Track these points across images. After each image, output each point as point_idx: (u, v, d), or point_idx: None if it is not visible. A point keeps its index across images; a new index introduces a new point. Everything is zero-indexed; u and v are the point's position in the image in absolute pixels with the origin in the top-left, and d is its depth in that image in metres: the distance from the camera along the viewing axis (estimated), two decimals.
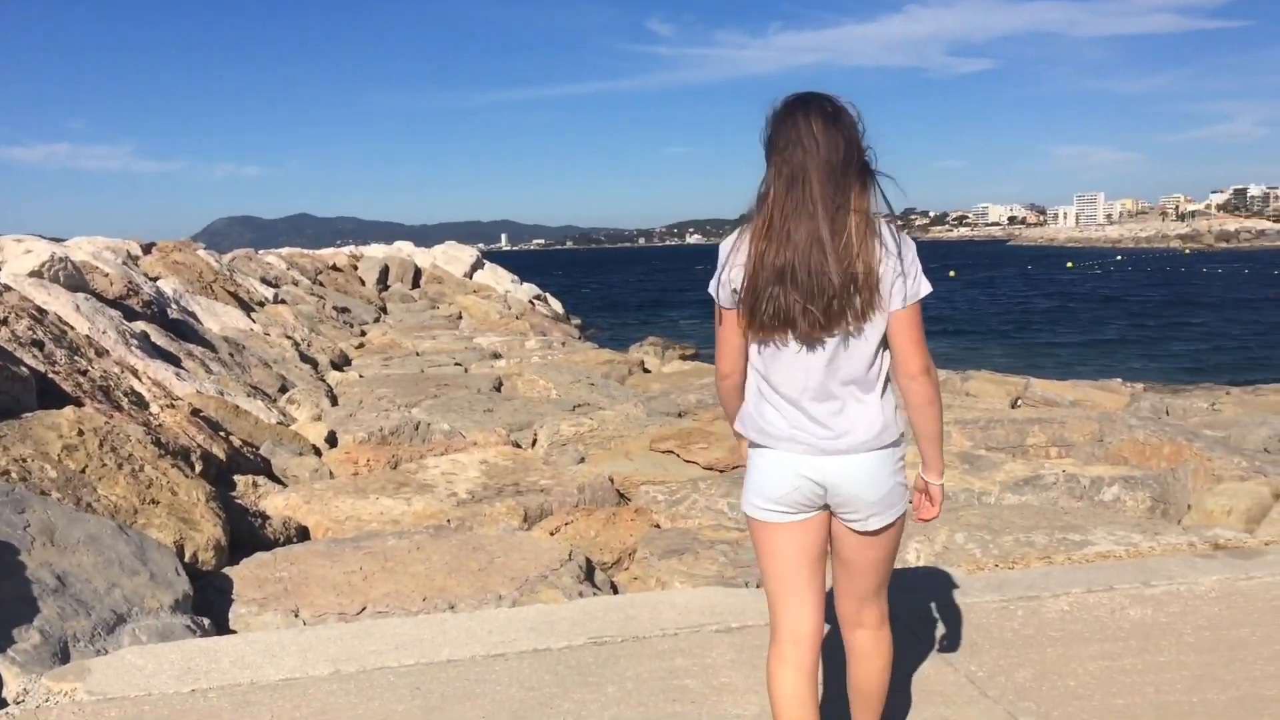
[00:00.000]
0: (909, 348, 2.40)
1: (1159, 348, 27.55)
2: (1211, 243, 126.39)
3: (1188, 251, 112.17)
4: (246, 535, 5.34)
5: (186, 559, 4.60)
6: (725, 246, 2.47)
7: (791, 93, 2.43)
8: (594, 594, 4.63)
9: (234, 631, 4.16)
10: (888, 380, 2.47)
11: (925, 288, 2.41)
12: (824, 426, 2.41)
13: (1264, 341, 28.11)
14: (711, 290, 2.48)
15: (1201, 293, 49.79)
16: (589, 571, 4.92)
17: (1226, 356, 25.20)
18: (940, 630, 3.82)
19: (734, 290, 2.42)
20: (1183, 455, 7.07)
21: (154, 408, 7.28)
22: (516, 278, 30.49)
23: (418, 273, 28.23)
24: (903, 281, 2.36)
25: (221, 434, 7.06)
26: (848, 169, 2.35)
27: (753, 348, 2.47)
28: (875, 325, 2.37)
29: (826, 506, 2.49)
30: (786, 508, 2.47)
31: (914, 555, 5.17)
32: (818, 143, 2.33)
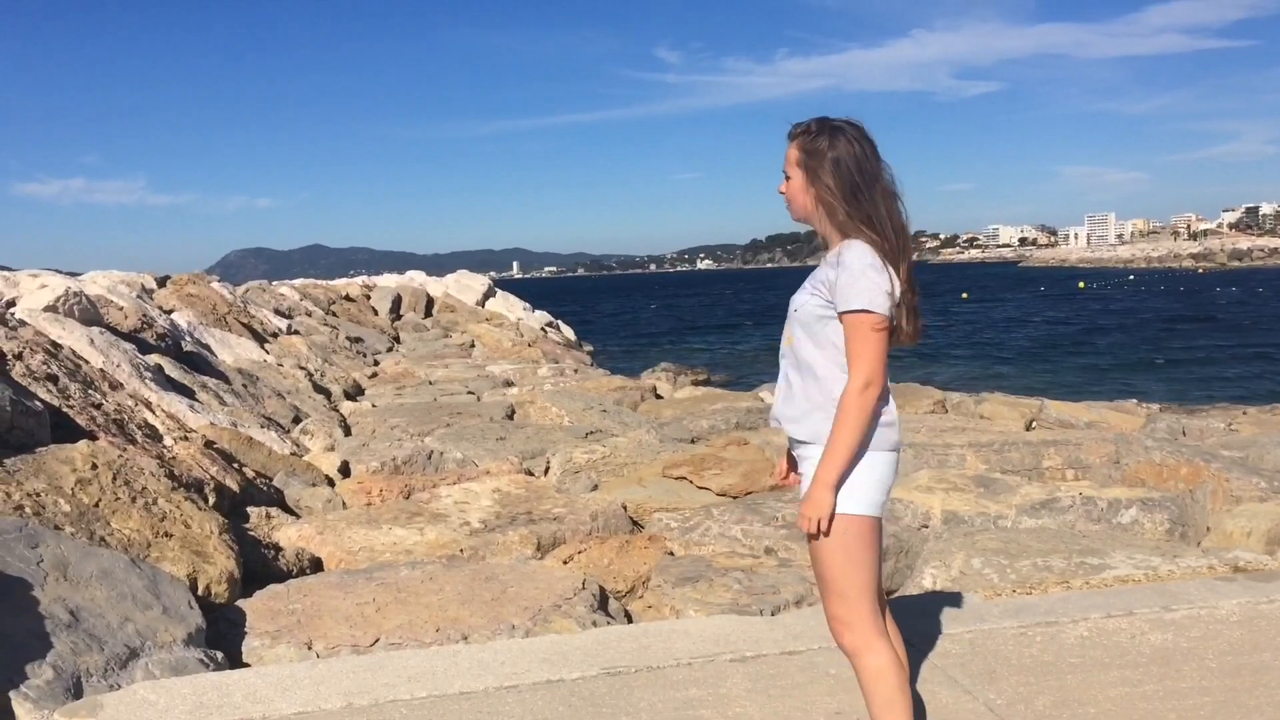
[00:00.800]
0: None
1: (1176, 368, 27.39)
2: (1225, 261, 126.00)
3: (1201, 270, 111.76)
4: (260, 567, 5.33)
5: (199, 592, 4.59)
6: (880, 262, 2.61)
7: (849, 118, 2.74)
8: (608, 623, 4.60)
9: (247, 665, 4.14)
10: None
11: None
12: None
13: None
14: (883, 307, 2.57)
15: (1217, 312, 49.56)
16: (602, 600, 4.89)
17: (1244, 376, 25.04)
18: (957, 657, 3.78)
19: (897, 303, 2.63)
20: (1200, 476, 7.01)
21: (168, 440, 7.29)
22: (528, 305, 30.57)
23: (430, 302, 28.33)
24: None
25: (235, 466, 7.07)
26: None
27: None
28: None
29: None
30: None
31: (930, 580, 5.12)
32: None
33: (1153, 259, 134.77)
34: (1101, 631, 4.00)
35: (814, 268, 2.80)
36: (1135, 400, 15.29)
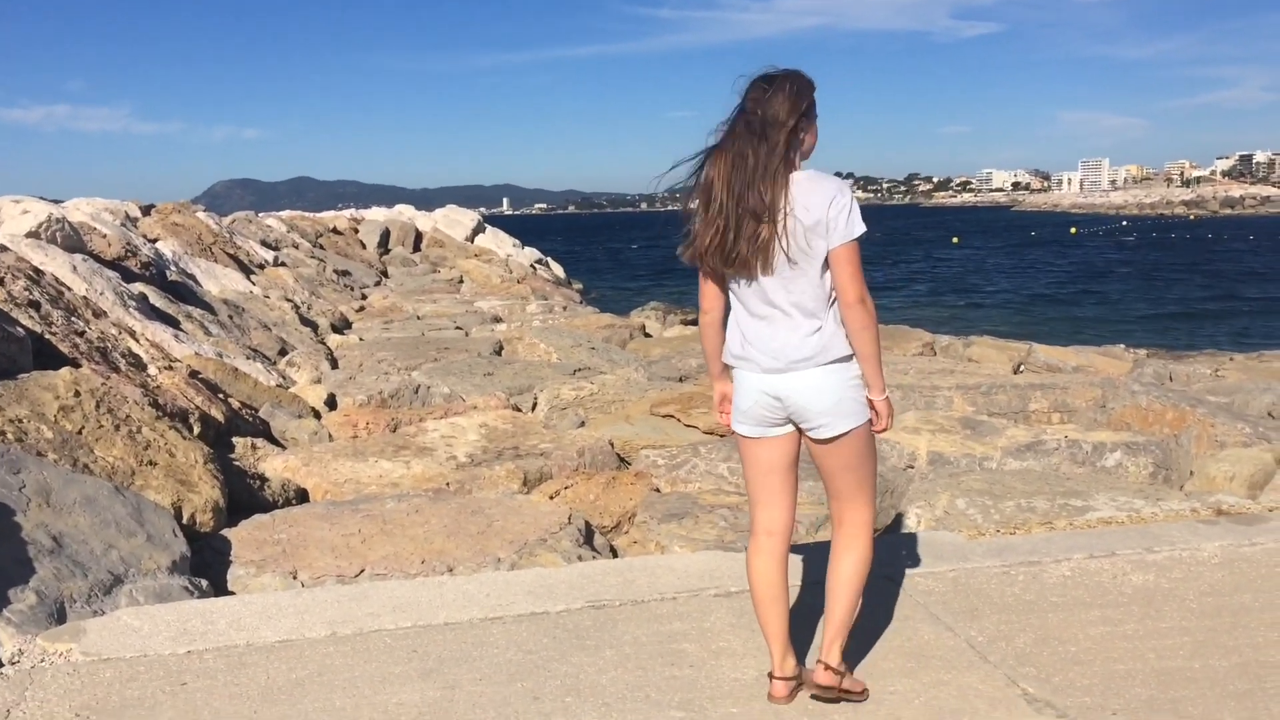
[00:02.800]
0: None
1: (1162, 314, 27.46)
2: (1216, 209, 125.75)
3: (1193, 218, 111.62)
4: (245, 497, 5.32)
5: (184, 521, 4.59)
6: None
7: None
8: (593, 558, 4.62)
9: (232, 593, 4.14)
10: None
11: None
12: None
13: (1270, 308, 28.01)
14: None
15: (1207, 260, 49.59)
16: (588, 535, 4.90)
17: (1233, 322, 25.12)
18: (940, 595, 3.80)
19: None
20: (1185, 421, 7.03)
21: (152, 369, 7.24)
22: (518, 242, 30.36)
23: (419, 236, 28.11)
24: None
25: (220, 396, 7.04)
26: None
27: None
28: None
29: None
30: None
31: (915, 520, 5.15)
32: None
33: (1145, 205, 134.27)
34: (1084, 572, 4.03)
35: None
36: (1123, 345, 15.31)
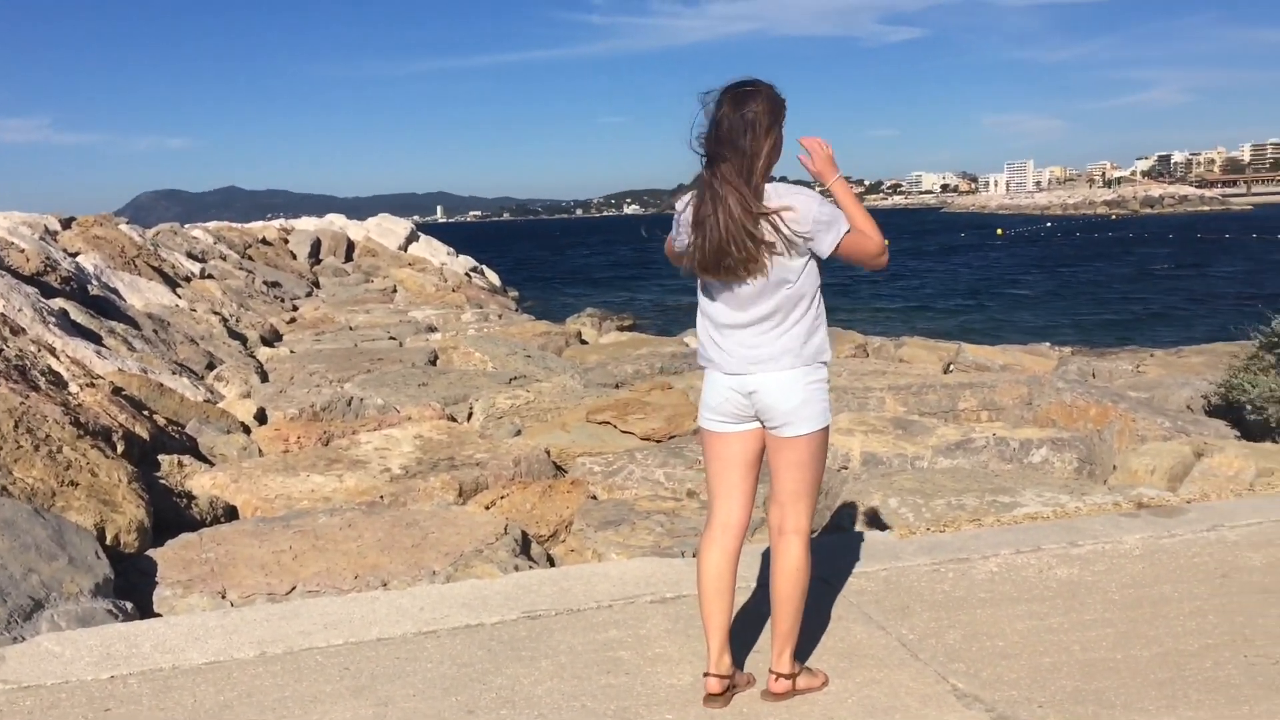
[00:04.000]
0: None
1: (1086, 312, 28.12)
2: (1137, 208, 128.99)
3: (1115, 217, 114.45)
4: (172, 516, 5.20)
5: (108, 542, 4.47)
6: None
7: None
8: (530, 567, 4.59)
9: (158, 615, 4.05)
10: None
11: None
12: None
13: (1186, 306, 28.84)
14: None
15: (1127, 259, 50.89)
16: (525, 545, 4.88)
17: (1152, 319, 25.82)
18: (872, 594, 3.85)
19: None
20: (1108, 417, 7.22)
21: (73, 387, 7.06)
22: (452, 250, 30.15)
23: (351, 246, 27.78)
24: None
25: (145, 413, 6.88)
26: None
27: None
28: None
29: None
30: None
31: (848, 520, 5.21)
32: None
33: (1069, 206, 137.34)
34: (1011, 567, 4.11)
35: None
36: (1048, 344, 15.67)
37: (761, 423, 2.99)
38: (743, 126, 2.81)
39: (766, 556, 3.27)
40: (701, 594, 3.01)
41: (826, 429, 3.00)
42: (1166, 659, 3.26)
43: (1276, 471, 5.89)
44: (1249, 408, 7.35)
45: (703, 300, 3.03)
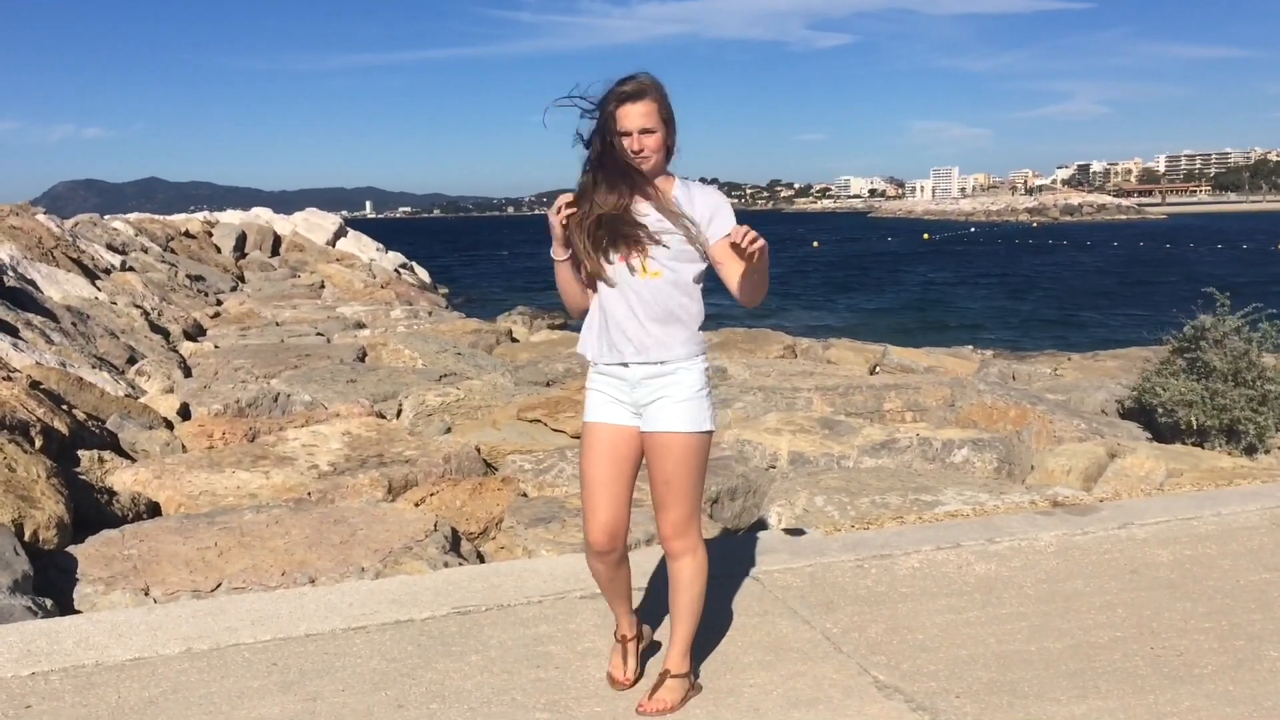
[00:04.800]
0: None
1: (1008, 317, 28.79)
2: (1057, 216, 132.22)
3: (1036, 224, 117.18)
4: (92, 512, 5.10)
5: (26, 538, 4.37)
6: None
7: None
8: (460, 564, 4.60)
9: (79, 612, 3.98)
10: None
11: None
12: None
13: (1104, 311, 29.69)
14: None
15: (1046, 265, 52.18)
16: (454, 542, 4.87)
17: (1070, 324, 26.52)
18: (798, 590, 3.93)
19: None
20: (1027, 418, 7.43)
21: None
22: (381, 246, 29.82)
23: (277, 240, 27.32)
24: None
25: (64, 408, 6.72)
26: None
27: None
28: None
29: None
30: None
31: (775, 518, 5.30)
32: None
33: (992, 212, 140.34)
34: (931, 563, 4.23)
35: None
36: (971, 347, 16.02)
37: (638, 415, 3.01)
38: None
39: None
40: None
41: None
42: (1078, 651, 3.39)
43: (1185, 472, 6.13)
44: (1160, 411, 7.62)
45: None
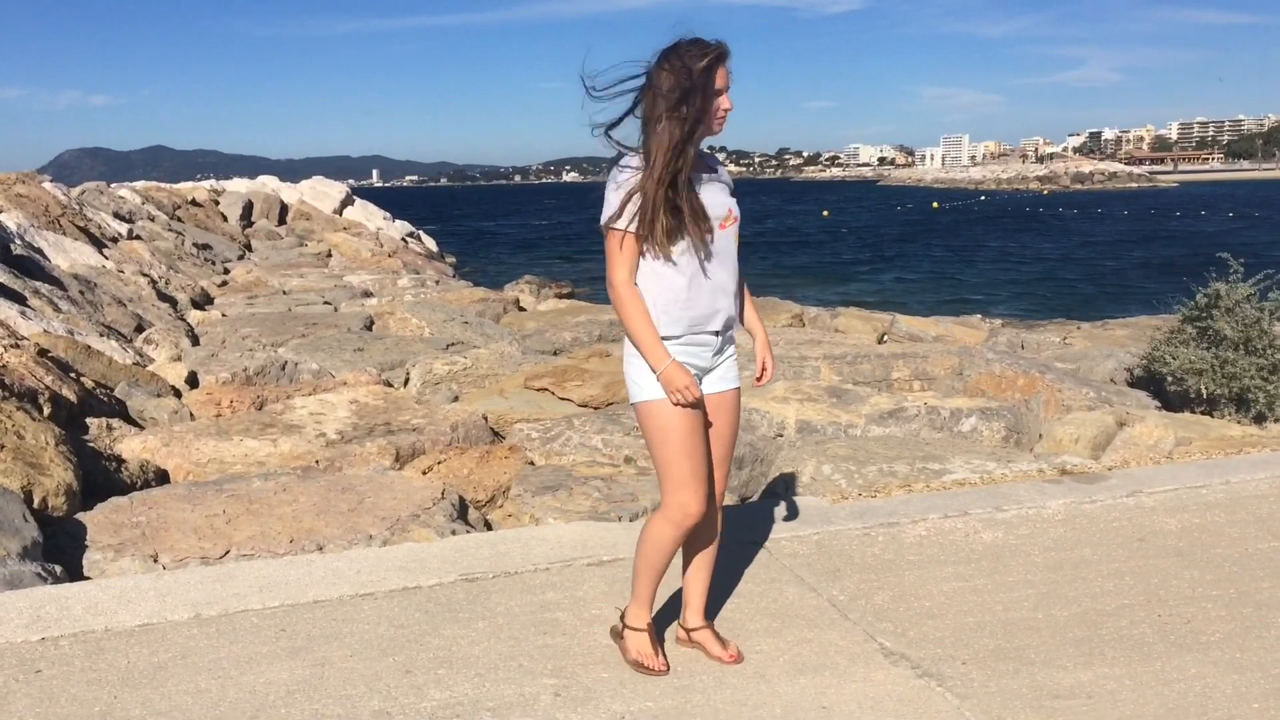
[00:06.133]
0: None
1: (1018, 285, 28.67)
2: (1068, 184, 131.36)
3: (1046, 192, 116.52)
4: (101, 480, 5.12)
5: (35, 505, 4.39)
6: None
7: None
8: (467, 532, 4.61)
9: (88, 579, 4.00)
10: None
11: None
12: None
13: (1114, 280, 29.55)
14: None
15: (1057, 233, 51.90)
16: (462, 510, 4.88)
17: (1079, 293, 26.41)
18: (805, 557, 3.93)
19: None
20: (1035, 387, 7.40)
21: None
22: (389, 214, 29.76)
23: (284, 209, 27.27)
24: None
25: (72, 375, 6.73)
26: None
27: None
28: None
29: None
30: None
31: (783, 486, 5.30)
32: None
33: (1002, 180, 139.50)
34: (938, 531, 4.22)
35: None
36: (979, 315, 15.97)
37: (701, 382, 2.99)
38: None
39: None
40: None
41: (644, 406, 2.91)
42: (1084, 618, 3.39)
43: (1194, 441, 6.11)
44: (1170, 379, 7.59)
45: (702, 262, 2.86)
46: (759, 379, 3.17)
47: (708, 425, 2.97)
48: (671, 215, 2.77)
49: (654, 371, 2.84)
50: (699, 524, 2.95)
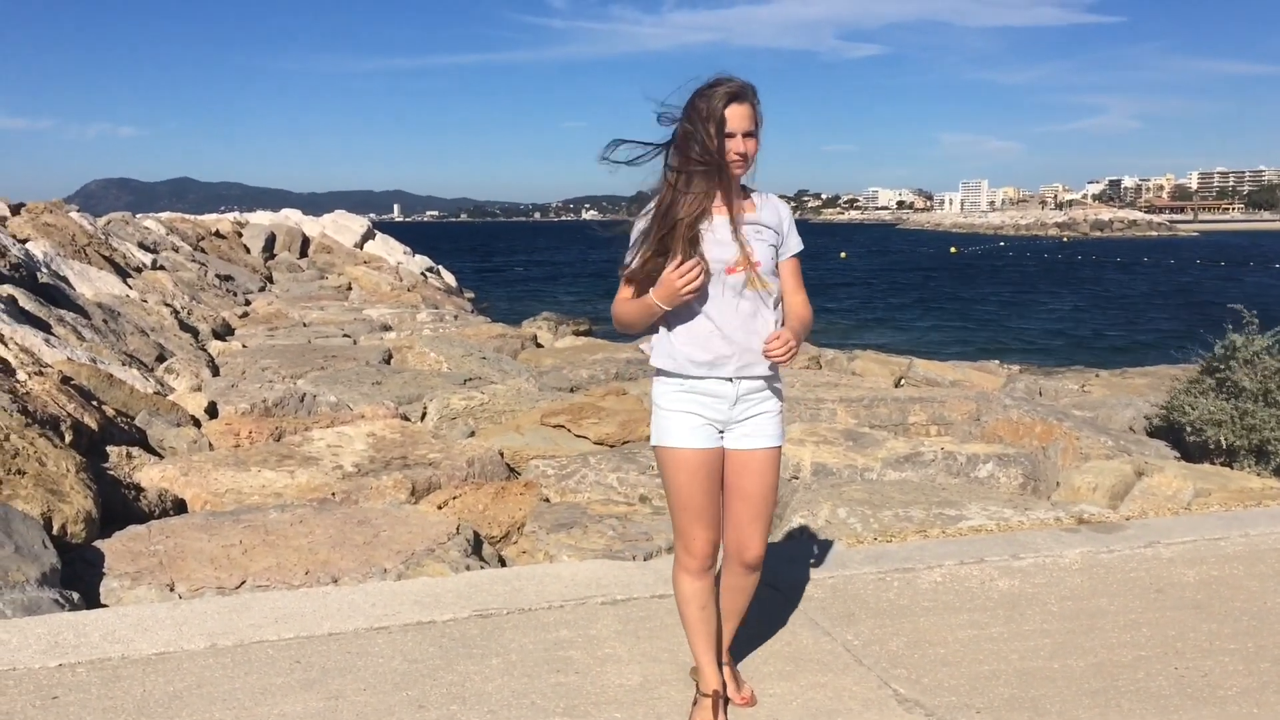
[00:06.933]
0: None
1: (1035, 332, 28.60)
2: (1087, 231, 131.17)
3: (1065, 239, 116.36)
4: (120, 508, 5.16)
5: (55, 531, 4.43)
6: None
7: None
8: (481, 568, 4.62)
9: (105, 606, 4.02)
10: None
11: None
12: None
13: (1133, 329, 29.44)
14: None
15: (1076, 280, 51.81)
16: (476, 545, 4.89)
17: (1097, 341, 26.31)
18: (819, 601, 3.92)
19: None
20: (1053, 434, 7.37)
21: (21, 375, 6.95)
22: (409, 249, 29.99)
23: (306, 242, 27.53)
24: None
25: (94, 403, 6.80)
26: None
27: None
28: None
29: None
30: None
31: (798, 529, 5.28)
32: None
33: (1021, 227, 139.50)
34: (954, 578, 4.21)
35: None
36: (997, 361, 15.92)
37: (723, 434, 2.90)
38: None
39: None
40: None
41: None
42: (1101, 669, 3.36)
43: (1213, 492, 6.06)
44: (1189, 429, 7.54)
45: (697, 306, 2.81)
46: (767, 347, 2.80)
47: (729, 480, 2.92)
48: (661, 256, 2.75)
49: (659, 304, 2.76)
50: (731, 575, 2.97)
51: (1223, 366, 7.67)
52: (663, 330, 2.87)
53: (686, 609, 2.92)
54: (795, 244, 2.95)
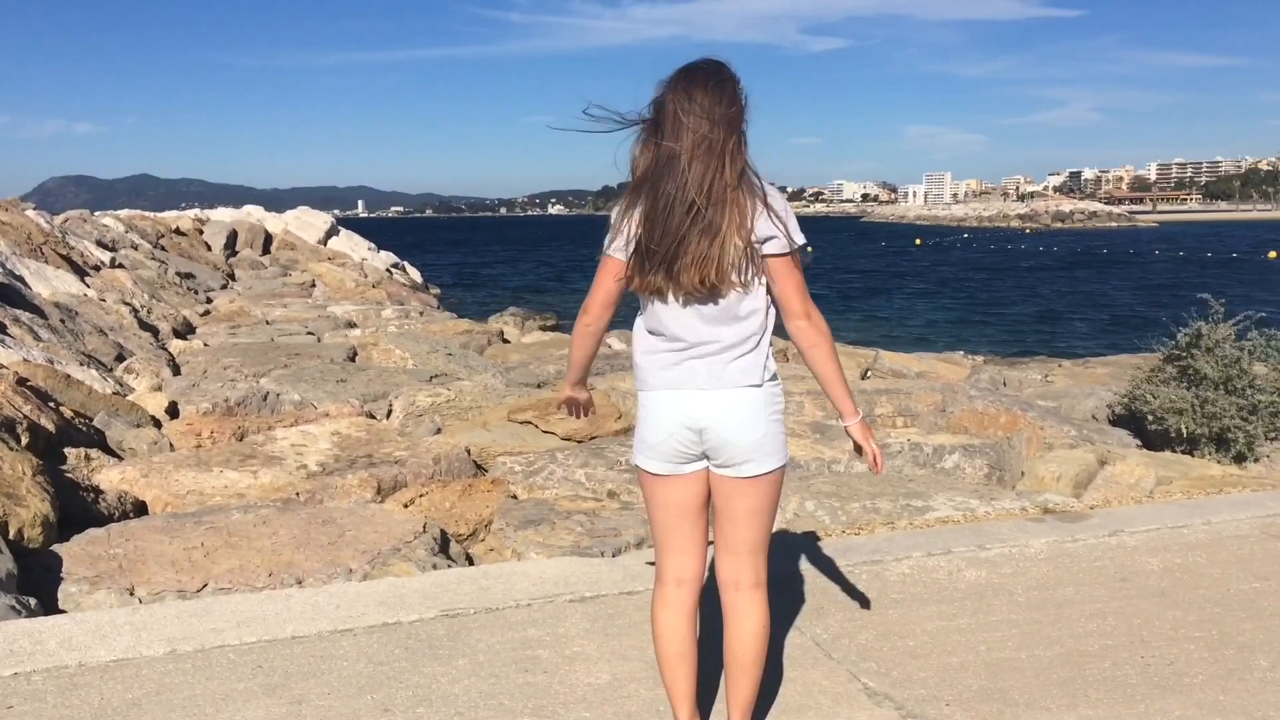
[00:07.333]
0: None
1: (1000, 323, 28.84)
2: (1049, 223, 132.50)
3: (1028, 230, 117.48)
4: (78, 511, 5.06)
5: (11, 536, 4.33)
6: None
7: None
8: (448, 566, 4.57)
9: (63, 612, 3.94)
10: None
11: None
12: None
13: (1095, 318, 29.77)
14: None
15: (1040, 270, 52.31)
16: (443, 544, 4.85)
17: (1059, 331, 26.58)
18: (788, 595, 3.92)
19: None
20: (1018, 424, 7.42)
21: None
22: (373, 245, 29.77)
23: (268, 238, 27.24)
24: None
25: (51, 405, 6.67)
26: None
27: None
28: None
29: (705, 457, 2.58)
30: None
31: None
32: None
33: (984, 218, 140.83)
34: (922, 569, 4.21)
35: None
36: (962, 352, 16.04)
37: (709, 461, 2.58)
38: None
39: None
40: (662, 660, 2.61)
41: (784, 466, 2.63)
42: (1068, 659, 3.38)
43: (1175, 480, 6.13)
44: (1150, 418, 7.62)
45: (658, 314, 2.53)
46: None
47: (713, 503, 2.64)
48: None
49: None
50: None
51: (1185, 355, 7.75)
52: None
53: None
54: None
